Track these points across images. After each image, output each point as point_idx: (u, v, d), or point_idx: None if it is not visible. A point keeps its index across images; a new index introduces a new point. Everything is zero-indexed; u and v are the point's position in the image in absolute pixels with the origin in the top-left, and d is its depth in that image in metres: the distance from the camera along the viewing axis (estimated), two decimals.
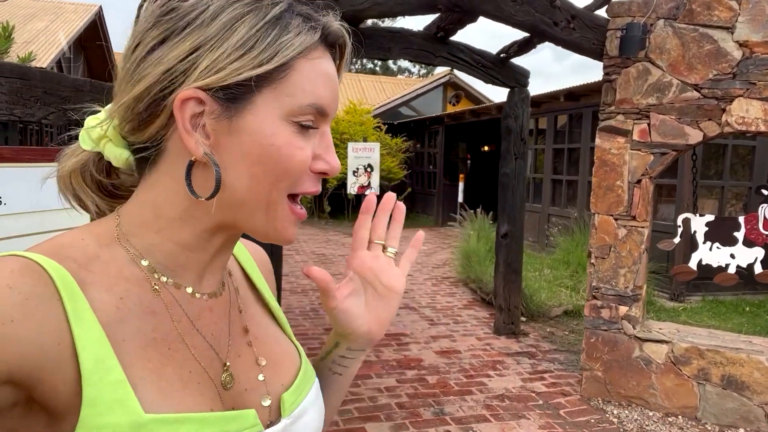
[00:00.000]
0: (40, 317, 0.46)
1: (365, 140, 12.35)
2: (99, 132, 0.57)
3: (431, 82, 18.23)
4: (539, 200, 9.45)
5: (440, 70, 18.36)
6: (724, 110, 3.34)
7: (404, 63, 42.26)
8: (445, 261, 8.47)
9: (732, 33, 3.33)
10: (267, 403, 0.59)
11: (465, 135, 14.51)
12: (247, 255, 0.74)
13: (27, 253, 0.49)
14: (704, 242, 3.65)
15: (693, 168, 3.73)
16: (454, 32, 4.62)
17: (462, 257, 7.42)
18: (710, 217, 3.66)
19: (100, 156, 0.59)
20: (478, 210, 8.42)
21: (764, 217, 3.48)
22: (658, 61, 3.51)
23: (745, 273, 3.58)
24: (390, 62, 41.51)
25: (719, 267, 3.62)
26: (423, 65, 40.18)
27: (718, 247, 3.62)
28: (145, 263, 0.55)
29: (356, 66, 39.43)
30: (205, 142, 0.52)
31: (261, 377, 0.61)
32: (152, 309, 0.54)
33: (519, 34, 4.52)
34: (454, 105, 17.65)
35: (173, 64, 0.51)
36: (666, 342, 3.56)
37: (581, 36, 3.61)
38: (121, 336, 0.50)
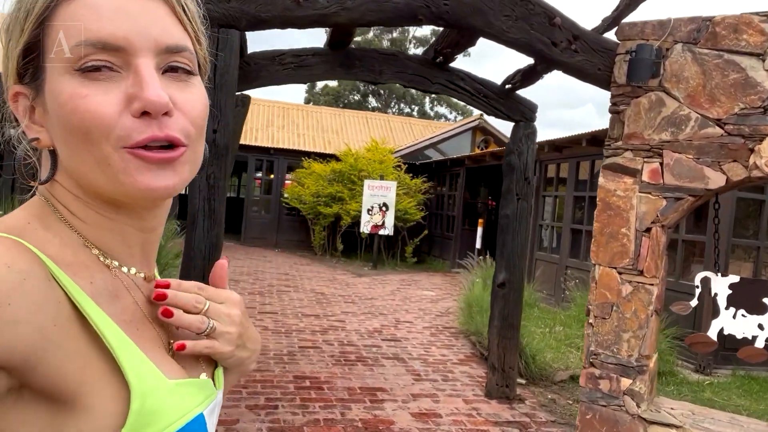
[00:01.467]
0: (38, 298, 0.45)
1: (382, 178, 11.98)
2: None
3: (459, 126, 17.96)
4: (557, 251, 8.82)
5: (473, 114, 18.02)
6: (752, 150, 2.80)
7: (441, 109, 42.40)
8: (450, 309, 7.87)
9: (763, 60, 2.82)
10: (203, 377, 0.62)
11: (487, 179, 14.02)
12: None
13: (6, 234, 0.48)
14: (727, 308, 3.04)
15: (715, 219, 3.16)
16: (453, 57, 4.24)
17: (466, 306, 6.83)
18: (734, 278, 3.06)
19: None
20: (487, 256, 7.85)
21: None
22: (674, 90, 3.01)
23: None
24: (427, 108, 41.73)
25: (744, 339, 3.00)
26: (452, 111, 40.22)
27: (743, 315, 3.00)
28: (95, 251, 0.55)
29: (393, 110, 39.79)
30: (38, 129, 0.53)
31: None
32: (116, 293, 0.55)
33: (526, 62, 4.10)
34: (482, 150, 17.28)
35: (1, 69, 0.54)
36: (676, 427, 2.92)
37: (585, 60, 3.16)
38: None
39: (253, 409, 3.81)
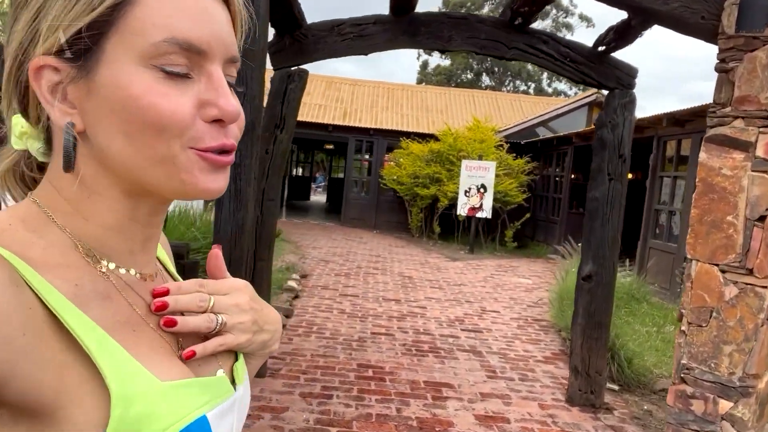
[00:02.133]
0: (4, 306, 0.43)
1: (480, 158, 11.42)
2: (20, 129, 0.54)
3: (573, 102, 16.70)
4: (674, 239, 7.80)
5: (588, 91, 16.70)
6: None
7: (560, 85, 40.02)
8: (543, 300, 7.28)
9: None
10: (221, 373, 0.59)
11: None
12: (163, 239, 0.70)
13: None
14: None
15: None
16: (532, 17, 3.73)
17: (557, 298, 6.24)
18: None
19: (29, 153, 0.56)
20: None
21: None
22: None
23: None
24: (545, 84, 39.64)
25: None
26: (556, 77, 37.51)
27: None
28: (82, 248, 0.52)
29: (507, 88, 38.28)
30: (69, 110, 0.50)
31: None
32: (107, 294, 0.52)
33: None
34: None
35: (21, 36, 0.50)
36: None
37: (683, 6, 2.55)
38: (93, 320, 0.49)
39: (307, 397, 3.67)
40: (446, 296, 7.26)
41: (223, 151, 0.52)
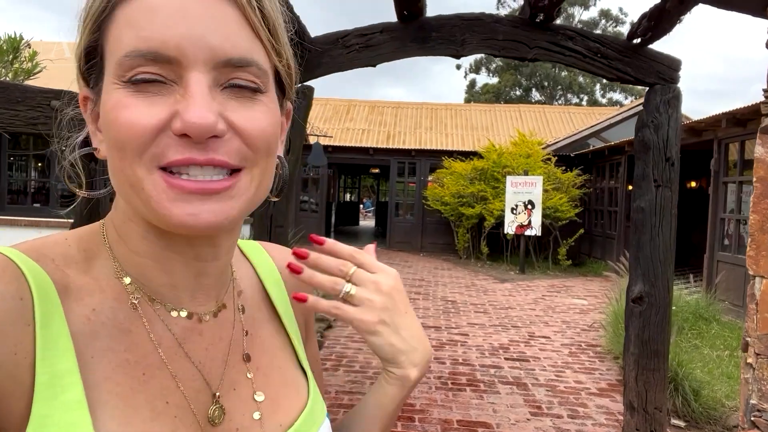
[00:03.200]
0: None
1: (526, 173, 10.91)
2: None
3: (626, 110, 15.88)
4: (744, 250, 7.02)
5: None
6: None
7: (615, 95, 38.66)
8: (598, 323, 6.67)
9: None
10: (257, 416, 0.53)
11: None
12: (271, 266, 0.65)
13: (2, 249, 0.46)
14: None
15: None
16: (555, 13, 3.36)
17: (614, 320, 5.66)
18: None
19: None
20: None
21: None
22: None
23: None
24: (598, 95, 38.43)
25: None
26: (610, 86, 36.02)
27: None
28: (127, 280, 0.50)
29: (559, 102, 37.35)
30: (99, 136, 0.50)
31: (257, 415, 0.53)
32: (127, 326, 0.48)
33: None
34: None
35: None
36: None
37: None
38: (90, 352, 0.46)
39: None
40: (491, 321, 6.79)
41: (231, 171, 0.46)
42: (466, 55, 3.52)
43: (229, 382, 0.52)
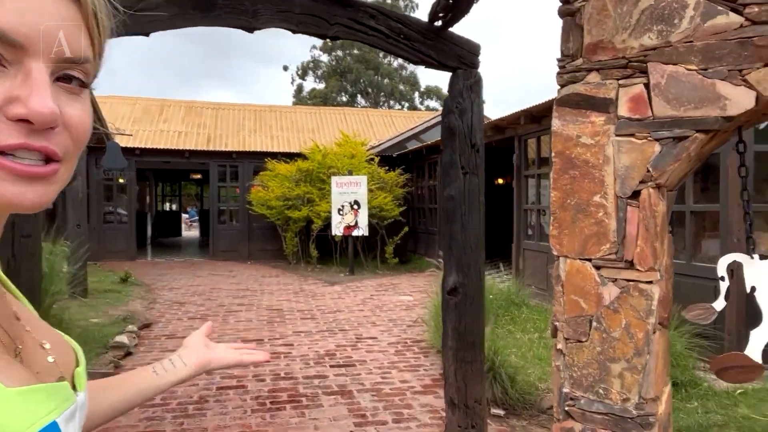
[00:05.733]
0: None
1: (350, 173, 10.82)
2: None
3: (441, 114, 16.80)
4: (545, 238, 7.63)
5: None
6: None
7: (432, 103, 41.14)
8: (422, 318, 6.71)
9: None
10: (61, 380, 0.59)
11: None
12: None
13: None
14: None
15: (741, 168, 1.98)
16: None
17: (435, 314, 5.67)
18: None
19: None
20: None
21: None
22: None
23: None
24: (417, 103, 40.55)
25: None
26: (428, 96, 38.87)
27: None
28: None
29: (383, 108, 38.66)
30: None
31: (51, 359, 0.59)
32: None
33: None
34: None
35: None
36: None
37: None
38: None
39: None
40: (318, 327, 6.44)
41: (47, 158, 0.49)
42: (260, 28, 3.08)
43: (16, 335, 0.56)
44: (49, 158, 0.48)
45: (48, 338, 0.61)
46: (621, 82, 1.91)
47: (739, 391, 4.10)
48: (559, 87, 2.04)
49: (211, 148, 14.02)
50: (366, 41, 3.23)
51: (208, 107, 17.54)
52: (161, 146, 13.58)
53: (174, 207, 24.19)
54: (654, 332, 1.87)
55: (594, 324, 1.95)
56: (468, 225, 3.38)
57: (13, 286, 0.66)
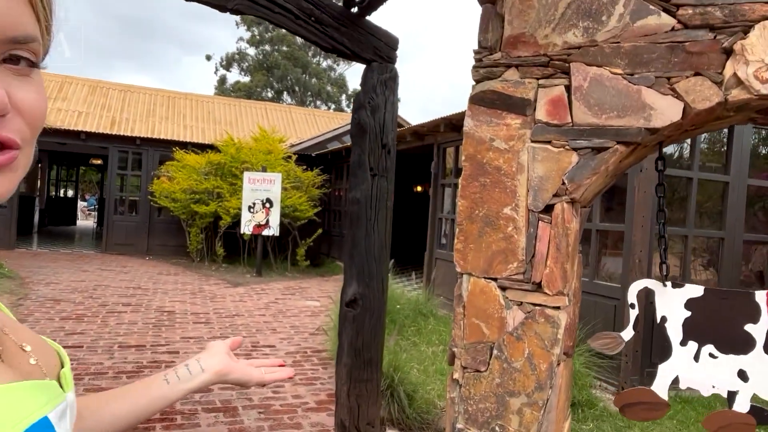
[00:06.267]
0: None
1: (264, 170, 10.32)
2: None
3: None
4: None
5: None
6: (728, 52, 1.48)
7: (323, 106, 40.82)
8: (326, 326, 6.38)
9: None
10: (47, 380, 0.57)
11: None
12: None
13: None
14: (683, 342, 1.73)
15: (659, 187, 1.83)
16: None
17: (338, 323, 5.35)
18: (694, 290, 1.75)
19: None
20: None
21: None
22: None
23: None
24: (344, 105, 40.20)
25: (715, 396, 1.71)
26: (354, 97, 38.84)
27: (712, 355, 1.70)
28: None
29: (310, 107, 37.95)
30: None
31: (33, 361, 0.58)
32: None
33: None
34: None
35: None
36: None
37: None
38: None
39: None
40: (212, 333, 5.93)
41: (2, 146, 0.48)
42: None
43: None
44: (3, 146, 0.47)
45: (28, 341, 0.59)
46: (541, 82, 1.70)
47: None
48: (474, 82, 1.80)
49: (112, 131, 12.94)
50: (271, 19, 2.88)
51: (115, 88, 16.28)
52: (56, 126, 12.35)
53: (70, 193, 22.27)
54: (558, 364, 1.67)
55: (495, 352, 1.72)
56: (373, 232, 3.10)
57: None
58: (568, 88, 1.66)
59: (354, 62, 3.19)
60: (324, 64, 39.20)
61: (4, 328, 0.57)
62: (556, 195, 1.66)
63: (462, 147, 1.81)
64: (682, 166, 4.86)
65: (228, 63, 38.63)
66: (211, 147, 12.05)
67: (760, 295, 1.65)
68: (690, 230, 4.85)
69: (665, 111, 1.54)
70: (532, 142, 1.70)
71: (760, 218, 5.49)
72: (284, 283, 9.72)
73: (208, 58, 39.55)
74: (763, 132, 5.20)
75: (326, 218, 12.67)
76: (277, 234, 10.35)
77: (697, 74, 1.52)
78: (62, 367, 0.61)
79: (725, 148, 5.02)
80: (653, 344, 4.40)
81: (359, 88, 3.13)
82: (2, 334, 0.56)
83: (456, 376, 1.78)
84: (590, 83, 1.63)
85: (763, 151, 5.71)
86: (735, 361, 1.66)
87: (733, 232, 4.82)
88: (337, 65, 40.60)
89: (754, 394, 1.64)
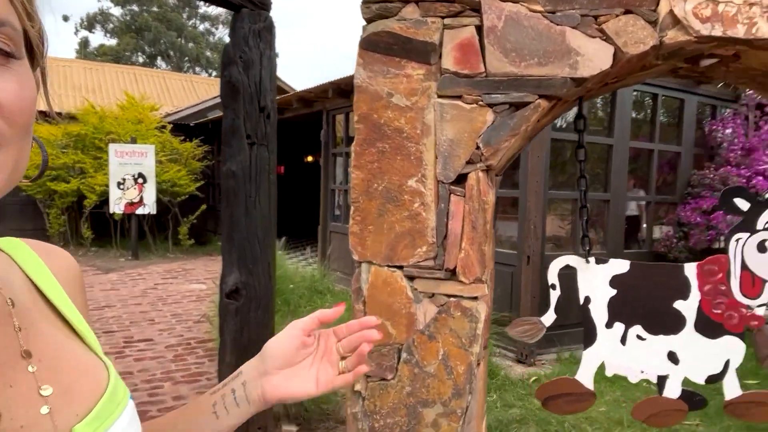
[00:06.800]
0: None
1: (134, 141, 9.28)
2: None
3: None
4: None
5: None
6: None
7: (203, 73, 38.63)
8: (212, 312, 5.85)
9: None
10: (45, 411, 0.48)
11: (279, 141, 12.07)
12: (37, 261, 0.58)
13: None
14: (609, 324, 1.54)
15: (579, 150, 1.60)
16: None
17: None
18: (620, 265, 1.55)
19: None
20: None
21: (743, 266, 1.45)
22: None
23: (700, 399, 1.52)
24: (187, 61, 37.75)
25: (647, 381, 1.55)
26: None
27: (640, 337, 1.52)
28: None
29: (188, 73, 35.27)
30: None
31: (45, 410, 0.48)
32: None
33: None
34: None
35: None
36: None
37: None
38: None
39: None
40: None
41: None
42: None
43: (4, 381, 0.47)
44: None
45: (65, 376, 0.50)
46: (447, 21, 1.37)
47: (533, 378, 4.11)
48: (365, 21, 1.43)
49: None
50: None
51: None
52: None
53: None
54: (478, 364, 1.40)
55: (404, 355, 1.42)
56: (254, 209, 2.67)
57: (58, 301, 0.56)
58: (479, 29, 1.35)
59: (220, 7, 2.67)
60: (201, 27, 36.61)
61: (42, 361, 0.49)
62: (469, 162, 1.36)
63: (354, 105, 1.45)
64: (566, 130, 4.88)
65: (90, 24, 34.78)
66: (72, 117, 10.63)
67: (689, 269, 1.48)
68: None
69: (593, 57, 1.28)
70: (439, 97, 1.38)
71: (639, 178, 5.74)
72: (165, 266, 8.89)
73: (66, 18, 35.28)
74: (638, 94, 5.38)
75: (211, 193, 11.80)
76: (154, 212, 9.41)
77: (628, 12, 1.26)
78: (105, 391, 0.52)
79: (609, 111, 5.12)
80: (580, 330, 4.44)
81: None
82: (21, 373, 0.47)
83: (358, 387, 1.46)
84: (506, 23, 1.33)
85: (641, 116, 5.96)
86: (664, 343, 1.49)
87: (617, 194, 4.96)
88: (216, 29, 38.10)
89: (685, 378, 1.49)
